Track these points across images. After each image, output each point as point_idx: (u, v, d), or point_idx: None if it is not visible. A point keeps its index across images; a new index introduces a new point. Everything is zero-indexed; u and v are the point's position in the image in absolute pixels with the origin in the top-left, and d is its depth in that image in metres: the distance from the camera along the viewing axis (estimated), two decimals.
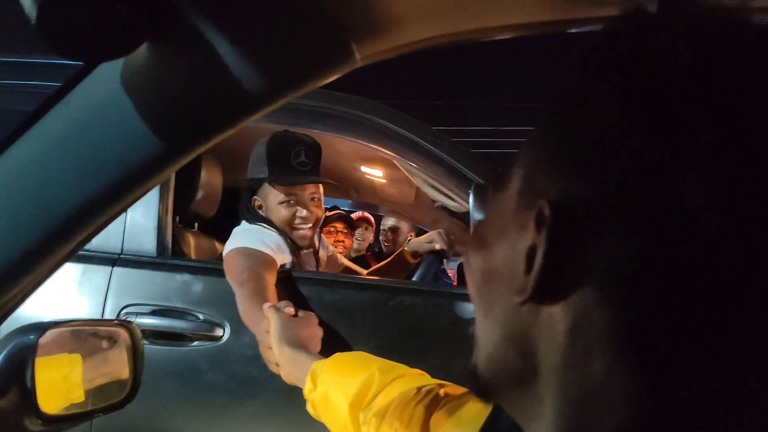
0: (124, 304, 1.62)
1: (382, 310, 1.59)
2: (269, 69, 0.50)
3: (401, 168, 2.11)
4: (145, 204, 1.74)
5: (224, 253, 1.68)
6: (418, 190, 2.70)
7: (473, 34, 0.55)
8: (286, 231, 1.80)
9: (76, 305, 1.65)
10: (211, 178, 2.11)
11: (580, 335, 0.30)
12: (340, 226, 2.94)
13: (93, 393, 0.81)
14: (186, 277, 1.65)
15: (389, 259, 2.08)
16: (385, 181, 2.59)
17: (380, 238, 3.27)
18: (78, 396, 0.78)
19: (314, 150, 1.84)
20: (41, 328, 0.72)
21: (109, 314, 1.61)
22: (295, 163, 1.79)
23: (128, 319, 1.58)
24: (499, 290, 0.36)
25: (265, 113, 0.54)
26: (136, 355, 0.85)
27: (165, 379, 1.58)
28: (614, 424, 0.29)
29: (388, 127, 1.80)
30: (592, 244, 0.30)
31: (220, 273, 1.65)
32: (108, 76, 0.53)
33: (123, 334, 0.86)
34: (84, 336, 0.84)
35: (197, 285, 1.64)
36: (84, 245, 0.63)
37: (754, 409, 0.26)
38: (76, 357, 0.81)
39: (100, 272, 1.66)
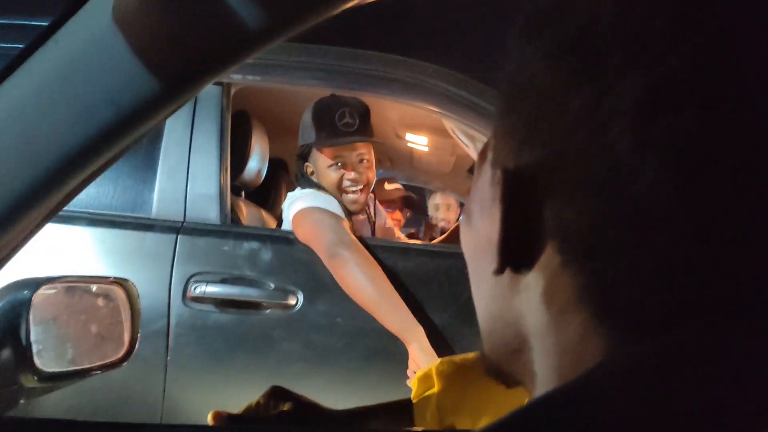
0: (192, 273, 1.59)
1: (458, 277, 1.57)
2: (268, 2, 0.47)
3: (454, 136, 2.08)
4: (205, 172, 1.70)
5: (291, 215, 1.66)
6: (456, 159, 2.68)
7: None
8: (336, 196, 1.78)
9: (140, 274, 1.61)
10: (260, 147, 2.07)
11: (554, 299, 0.31)
12: (400, 204, 2.90)
13: (89, 351, 0.80)
14: (254, 245, 1.61)
15: (448, 233, 2.07)
16: (427, 149, 2.55)
17: (432, 215, 3.22)
18: (74, 354, 0.78)
19: (360, 110, 1.82)
20: (35, 283, 0.71)
21: (176, 283, 1.58)
22: (340, 125, 1.77)
23: (196, 287, 1.55)
24: (483, 265, 0.36)
25: (264, 50, 0.51)
26: (132, 313, 0.83)
27: (237, 349, 1.56)
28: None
29: (450, 90, 1.76)
30: (547, 206, 0.30)
31: (290, 241, 1.62)
32: (100, 11, 0.50)
33: (119, 292, 0.84)
34: (79, 293, 0.82)
35: (266, 253, 1.60)
36: (77, 194, 0.60)
37: (729, 364, 0.25)
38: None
39: (165, 241, 1.62)
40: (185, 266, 1.60)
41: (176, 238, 1.62)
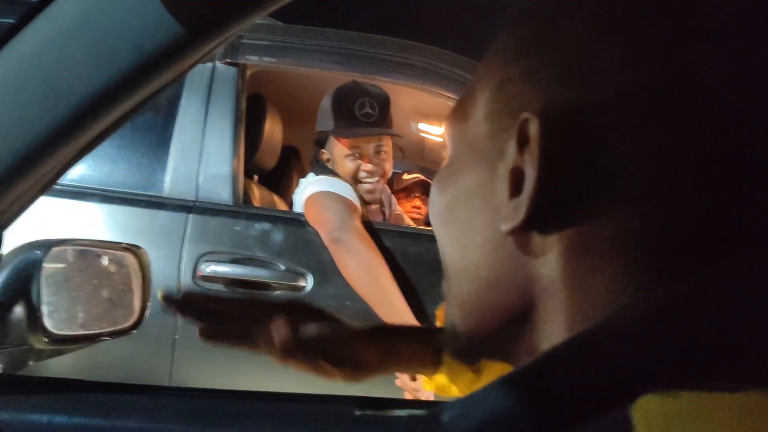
0: (202, 252, 1.59)
1: None
2: None
3: None
4: (218, 152, 1.69)
5: (304, 198, 1.65)
6: None
7: None
8: (352, 185, 1.76)
9: (151, 252, 1.60)
10: (273, 131, 2.06)
11: (579, 254, 0.28)
12: (418, 192, 2.88)
13: (100, 316, 0.79)
14: (266, 226, 1.61)
15: None
16: (440, 139, 2.54)
17: None
18: (84, 317, 0.77)
19: (380, 101, 1.79)
20: (47, 244, 0.70)
21: (186, 261, 1.58)
22: (360, 115, 1.75)
23: (207, 266, 1.55)
24: (476, 228, 0.33)
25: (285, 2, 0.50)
26: (143, 281, 0.83)
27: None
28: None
29: (467, 77, 1.75)
30: (590, 150, 0.28)
31: (301, 223, 1.62)
32: None
33: (131, 259, 0.84)
34: (91, 257, 0.82)
35: (278, 234, 1.60)
36: (100, 141, 0.59)
37: (759, 313, 0.24)
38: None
39: (176, 219, 1.62)
40: (196, 245, 1.60)
41: (188, 217, 1.62)
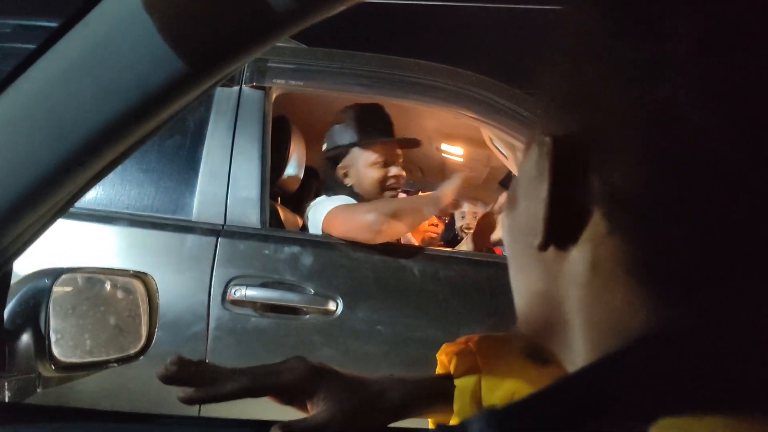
0: (232, 276, 1.58)
1: (500, 287, 1.55)
2: None
3: (492, 146, 2.07)
4: (246, 175, 1.70)
5: (321, 217, 1.66)
6: (490, 170, 2.66)
7: None
8: (376, 194, 1.82)
9: (180, 276, 1.61)
10: (297, 152, 2.07)
11: (599, 270, 0.30)
12: None
13: (107, 343, 0.79)
14: (295, 249, 1.61)
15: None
16: (461, 159, 2.54)
17: (457, 223, 3.20)
18: (91, 345, 0.77)
19: (390, 117, 1.92)
20: (56, 273, 0.71)
21: (215, 286, 1.58)
22: (383, 125, 1.87)
23: (236, 291, 1.54)
24: (525, 243, 0.35)
25: (293, 32, 0.51)
26: (151, 307, 0.83)
27: (276, 354, 1.55)
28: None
29: (493, 99, 1.75)
30: (596, 173, 0.29)
31: (331, 246, 1.61)
32: None
33: (138, 285, 0.84)
34: (98, 284, 0.82)
35: (307, 258, 1.60)
36: (104, 175, 0.60)
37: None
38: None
39: (205, 243, 1.62)
40: (225, 269, 1.59)
41: (217, 241, 1.62)
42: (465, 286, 1.57)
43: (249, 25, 0.49)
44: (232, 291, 1.57)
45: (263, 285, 1.57)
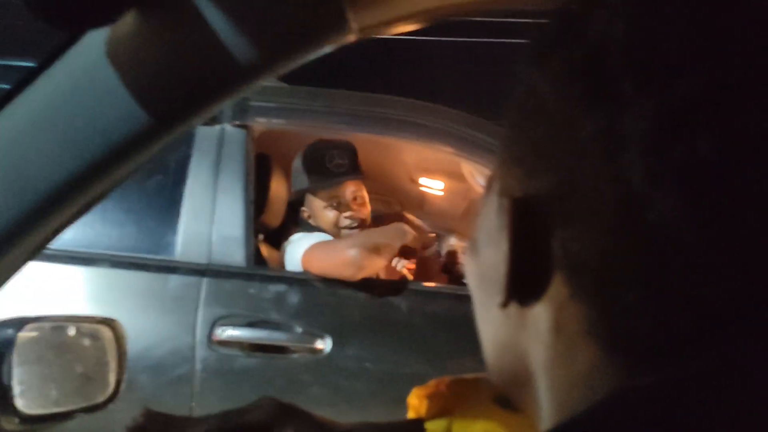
0: (217, 316, 1.57)
1: None
2: (260, 37, 0.48)
3: (472, 180, 2.10)
4: (230, 214, 1.69)
5: (299, 256, 1.66)
6: (468, 203, 2.69)
7: (480, 5, 0.54)
8: (336, 235, 1.84)
9: (165, 317, 1.59)
10: (279, 190, 2.07)
11: (561, 332, 0.30)
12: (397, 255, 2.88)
13: (74, 392, 0.78)
14: (281, 287, 1.60)
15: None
16: (441, 193, 2.57)
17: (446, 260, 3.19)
18: (57, 395, 0.76)
19: (348, 151, 1.91)
20: (20, 322, 0.69)
21: (201, 326, 1.56)
22: (331, 166, 1.87)
23: (222, 331, 1.52)
24: (489, 296, 0.35)
25: (255, 86, 0.53)
26: (119, 354, 0.81)
27: (265, 393, 1.52)
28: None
29: (473, 135, 1.78)
30: (555, 237, 0.29)
31: (317, 284, 1.61)
32: (92, 47, 0.51)
33: (106, 331, 0.82)
34: (64, 332, 0.80)
35: (294, 296, 1.59)
36: (67, 226, 0.60)
37: (742, 400, 0.25)
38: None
39: (189, 283, 1.60)
40: (210, 309, 1.58)
41: (201, 281, 1.61)
42: (452, 320, 1.57)
43: (214, 77, 0.50)
44: (218, 331, 1.55)
45: (250, 324, 1.56)
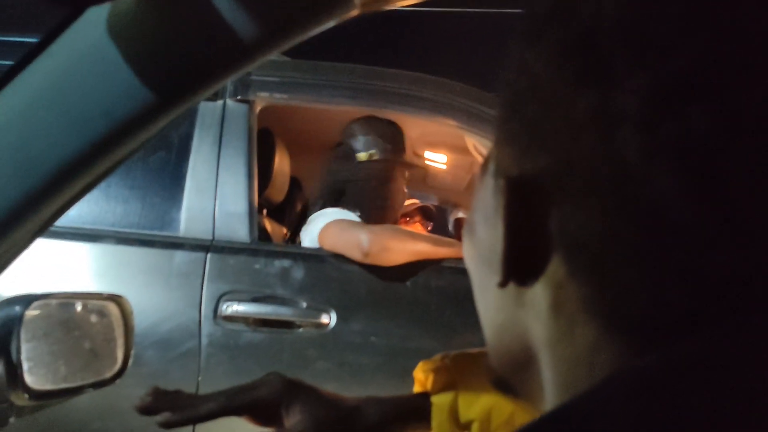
0: (222, 292, 1.57)
1: None
2: (262, 13, 0.47)
3: (476, 154, 2.08)
4: (233, 189, 1.69)
5: (319, 231, 1.65)
6: (472, 176, 2.68)
7: None
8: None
9: (170, 293, 1.59)
10: (282, 165, 2.06)
11: (561, 311, 0.30)
12: (418, 217, 2.89)
13: (82, 368, 0.79)
14: (285, 263, 1.60)
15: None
16: (444, 167, 2.55)
17: (453, 232, 3.20)
18: (66, 371, 0.77)
19: None
20: (27, 300, 0.70)
21: (206, 302, 1.56)
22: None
23: (227, 306, 1.53)
24: (488, 277, 0.35)
25: (258, 62, 0.52)
26: (126, 330, 0.83)
27: (270, 369, 1.53)
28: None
29: (476, 108, 1.77)
30: (552, 216, 0.29)
31: (321, 259, 1.61)
32: (93, 23, 0.50)
33: (113, 308, 0.83)
34: (71, 309, 0.82)
35: (298, 271, 1.59)
36: (70, 206, 0.60)
37: (741, 376, 0.24)
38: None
39: (194, 259, 1.61)
40: (216, 285, 1.58)
41: (206, 257, 1.61)
42: (457, 294, 1.58)
43: (216, 54, 0.50)
44: (224, 307, 1.56)
45: (255, 300, 1.57)
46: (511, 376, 0.37)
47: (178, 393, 0.61)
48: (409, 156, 1.98)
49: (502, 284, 0.31)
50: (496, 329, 0.36)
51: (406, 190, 1.98)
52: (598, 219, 0.27)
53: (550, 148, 0.29)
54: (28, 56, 0.53)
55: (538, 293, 0.31)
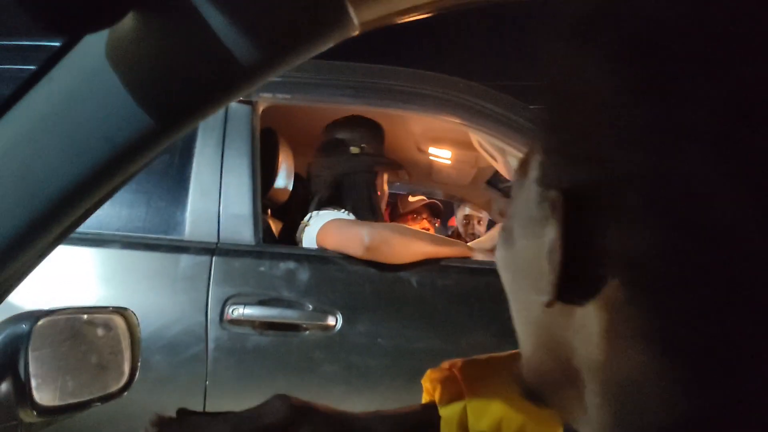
0: (228, 295, 1.57)
1: (500, 294, 1.55)
2: (262, 36, 0.47)
3: (480, 149, 2.07)
4: (237, 191, 1.68)
5: (316, 232, 1.65)
6: (477, 171, 2.67)
7: None
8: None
9: (176, 297, 1.59)
10: (286, 164, 2.05)
11: (615, 335, 0.28)
12: (425, 214, 2.89)
13: (89, 382, 0.79)
14: (291, 265, 1.59)
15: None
16: (449, 162, 2.54)
17: (461, 229, 3.19)
18: (73, 386, 0.77)
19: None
20: (34, 316, 0.70)
21: (212, 306, 1.56)
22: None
23: (234, 310, 1.53)
24: (529, 291, 0.33)
25: (259, 85, 0.52)
26: (133, 342, 0.83)
27: (277, 372, 1.54)
28: (656, 423, 0.27)
29: (480, 104, 1.75)
30: (610, 233, 0.27)
31: (326, 261, 1.61)
32: (92, 49, 0.50)
33: (119, 321, 0.84)
34: (79, 324, 0.82)
35: (304, 273, 1.59)
36: (74, 229, 0.60)
37: None
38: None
39: (199, 262, 1.60)
40: (221, 288, 1.58)
41: (211, 260, 1.60)
42: (464, 294, 1.57)
43: (216, 78, 0.50)
44: (230, 310, 1.55)
45: (261, 303, 1.56)
46: (549, 393, 0.35)
47: (181, 419, 0.60)
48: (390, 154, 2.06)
49: (551, 303, 0.30)
50: (537, 347, 0.34)
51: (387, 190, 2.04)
52: (661, 239, 0.25)
53: (606, 160, 0.27)
54: (28, 82, 0.53)
55: (590, 314, 0.29)
